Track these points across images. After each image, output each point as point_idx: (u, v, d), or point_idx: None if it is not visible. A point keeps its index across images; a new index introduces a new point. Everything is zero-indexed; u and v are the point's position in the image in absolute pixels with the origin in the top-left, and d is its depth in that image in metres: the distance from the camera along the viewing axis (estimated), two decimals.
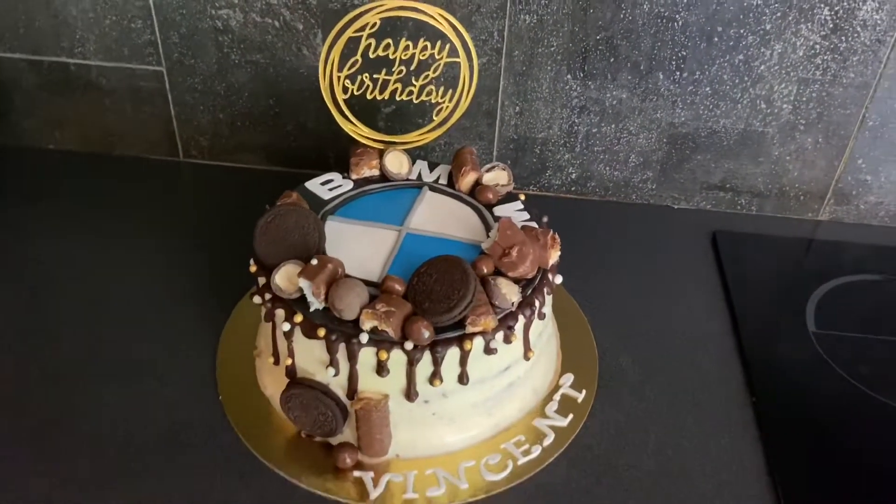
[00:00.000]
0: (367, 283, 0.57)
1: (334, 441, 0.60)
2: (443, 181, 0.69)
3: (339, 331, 0.55)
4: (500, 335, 0.57)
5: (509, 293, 0.57)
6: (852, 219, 0.86)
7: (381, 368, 0.55)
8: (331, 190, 0.68)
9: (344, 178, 0.69)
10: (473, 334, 0.56)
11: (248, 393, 0.65)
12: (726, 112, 0.80)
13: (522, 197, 0.68)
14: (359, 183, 0.69)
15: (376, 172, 0.69)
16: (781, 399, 0.66)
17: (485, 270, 0.58)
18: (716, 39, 0.76)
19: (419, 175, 0.70)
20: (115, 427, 0.61)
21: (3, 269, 0.76)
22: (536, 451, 0.61)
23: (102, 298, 0.73)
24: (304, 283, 0.55)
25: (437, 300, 0.55)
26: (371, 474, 0.59)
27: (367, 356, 0.55)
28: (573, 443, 0.62)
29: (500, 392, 0.61)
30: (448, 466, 0.59)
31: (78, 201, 0.84)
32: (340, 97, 0.66)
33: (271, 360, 0.62)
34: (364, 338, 0.54)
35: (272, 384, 0.64)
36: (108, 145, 0.91)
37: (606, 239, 0.83)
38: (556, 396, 0.65)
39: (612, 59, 0.78)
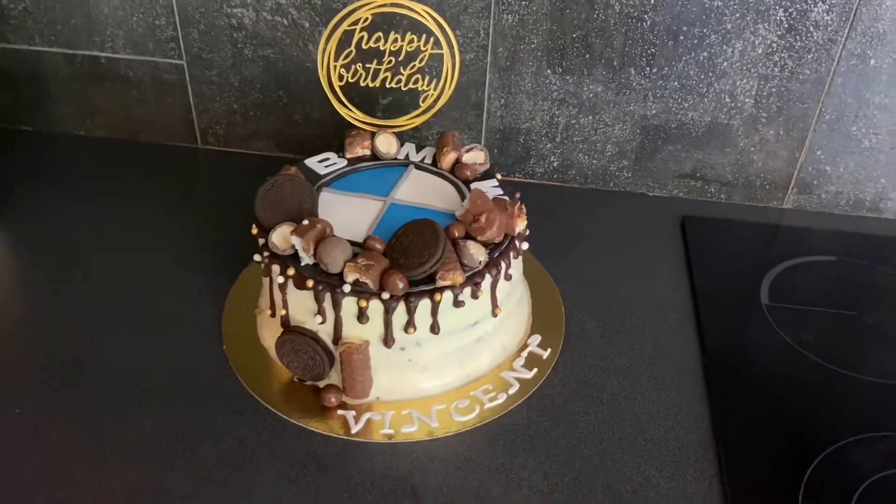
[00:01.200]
0: (352, 243, 0.65)
1: (322, 384, 0.68)
2: (428, 161, 0.77)
3: (325, 282, 0.63)
4: (467, 290, 0.64)
5: (476, 253, 0.65)
6: (814, 207, 0.93)
7: (361, 315, 0.63)
8: (327, 167, 0.76)
9: (339, 156, 0.77)
10: (443, 288, 0.63)
11: (248, 344, 0.73)
12: (693, 105, 0.87)
13: (499, 176, 0.76)
14: (352, 161, 0.77)
15: (368, 152, 0.77)
16: (730, 361, 0.72)
17: (456, 234, 0.66)
18: (682, 38, 0.83)
19: (407, 155, 0.78)
20: (130, 371, 0.70)
21: (37, 239, 0.85)
22: (502, 398, 0.68)
23: (125, 265, 0.81)
24: (295, 240, 0.63)
25: (412, 256, 0.62)
26: (353, 413, 0.66)
27: (349, 305, 0.63)
28: (535, 392, 0.69)
29: (469, 344, 0.68)
30: (422, 408, 0.67)
31: (106, 184, 0.93)
32: (336, 84, 0.75)
33: (269, 312, 0.70)
34: (346, 288, 0.62)
35: (270, 336, 0.72)
36: (134, 133, 1.00)
37: (584, 222, 0.90)
38: (524, 353, 0.73)
39: (587, 56, 0.86)
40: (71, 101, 0.99)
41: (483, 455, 0.64)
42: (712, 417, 0.67)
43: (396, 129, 0.77)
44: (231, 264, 0.81)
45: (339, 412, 0.66)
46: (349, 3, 0.85)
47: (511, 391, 0.69)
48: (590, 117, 0.90)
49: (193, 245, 0.84)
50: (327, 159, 0.77)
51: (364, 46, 0.73)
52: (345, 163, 0.77)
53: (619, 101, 0.89)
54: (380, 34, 0.73)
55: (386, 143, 0.77)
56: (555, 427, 0.66)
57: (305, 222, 0.64)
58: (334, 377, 0.67)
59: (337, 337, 0.65)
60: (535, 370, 0.71)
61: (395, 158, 0.77)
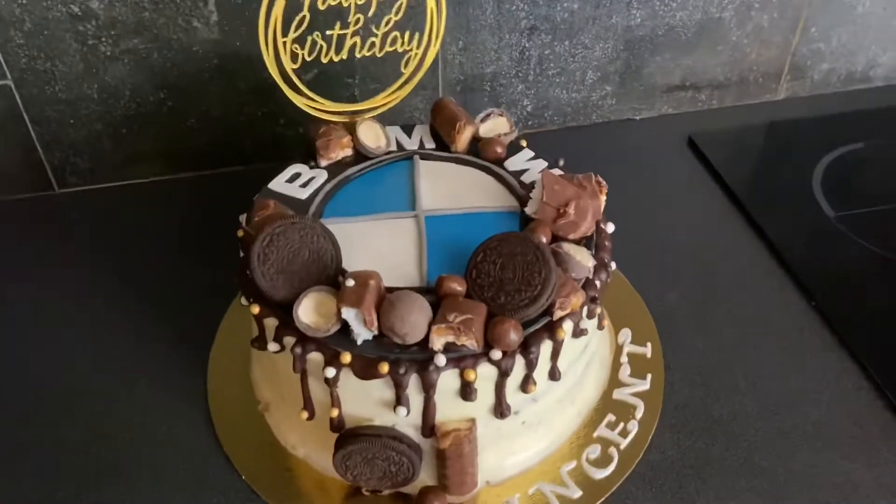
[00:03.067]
0: (413, 290, 0.46)
1: (408, 490, 0.49)
2: (429, 145, 0.58)
3: (406, 360, 0.43)
4: (585, 310, 0.47)
5: (583, 259, 0.47)
6: (806, 92, 0.83)
7: (467, 391, 0.44)
8: (303, 186, 0.54)
9: (312, 167, 0.55)
10: (563, 318, 0.45)
11: (270, 460, 0.51)
12: (682, 4, 0.73)
13: (524, 143, 0.58)
14: (332, 170, 0.55)
15: (349, 152, 0.56)
16: (838, 295, 0.61)
17: (544, 240, 0.48)
18: None
19: (398, 144, 0.58)
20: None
21: None
22: (633, 428, 0.52)
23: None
24: (348, 313, 0.42)
25: (516, 290, 0.44)
26: None
27: (447, 381, 0.44)
28: (665, 405, 0.54)
29: (581, 376, 0.51)
30: (549, 476, 0.50)
31: None
32: (289, 66, 0.52)
33: (304, 414, 0.48)
34: (441, 360, 0.43)
35: (305, 440, 0.51)
36: None
37: (574, 167, 0.74)
38: (623, 359, 0.57)
39: None
40: None
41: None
42: (864, 373, 0.56)
43: (379, 111, 0.57)
44: (156, 352, 0.58)
45: None
46: None
47: (638, 414, 0.53)
48: (566, 42, 0.73)
49: (120, 328, 0.60)
50: (298, 176, 0.55)
51: (321, 6, 0.51)
52: (325, 175, 0.55)
53: (599, 16, 0.72)
54: None
55: (372, 135, 0.56)
56: (712, 445, 0.52)
57: (350, 283, 0.43)
58: (425, 476, 0.48)
59: (428, 427, 0.46)
60: (650, 376, 0.56)
61: (388, 152, 0.57)
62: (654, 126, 0.80)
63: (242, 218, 0.52)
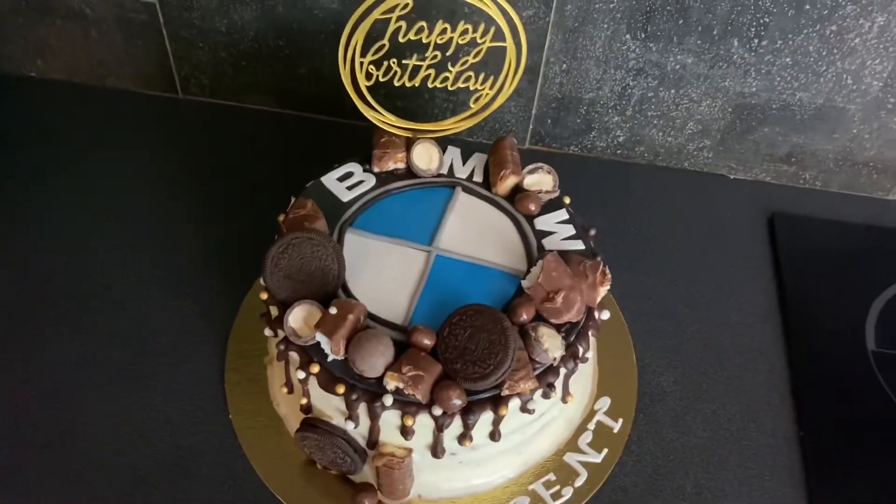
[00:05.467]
0: (392, 325, 0.51)
1: (354, 478, 0.56)
2: (477, 177, 0.61)
3: (360, 388, 0.49)
4: (538, 393, 0.51)
5: (552, 348, 0.50)
6: None
7: (406, 432, 0.50)
8: (350, 189, 0.59)
9: (365, 170, 0.60)
10: (510, 397, 0.50)
11: (259, 409, 0.60)
12: (805, 85, 0.69)
13: (567, 201, 0.60)
14: (381, 178, 0.60)
15: (402, 166, 0.60)
16: (832, 436, 0.61)
17: (524, 317, 0.51)
18: (807, 7, 0.64)
19: (451, 168, 0.61)
20: (118, 451, 0.57)
21: None
22: (567, 494, 0.57)
23: (91, 281, 0.66)
24: (321, 339, 0.49)
25: (472, 362, 0.48)
26: None
27: (390, 417, 0.50)
28: (607, 483, 0.58)
29: (532, 436, 0.56)
30: None
31: (65, 139, 0.77)
32: (363, 84, 0.56)
33: (284, 389, 0.56)
34: (388, 400, 0.49)
35: (285, 404, 0.59)
36: (98, 77, 0.80)
37: (652, 209, 0.75)
38: (591, 425, 0.61)
39: (680, 21, 0.66)
40: (15, 38, 0.78)
41: None
42: None
43: (438, 135, 0.60)
44: (234, 277, 0.66)
45: None
46: None
47: (577, 483, 0.58)
48: (672, 91, 0.72)
49: (185, 243, 0.69)
50: (350, 175, 0.60)
51: (401, 39, 0.54)
52: (373, 181, 0.60)
53: (713, 76, 0.70)
54: (423, 24, 0.54)
55: (426, 157, 0.60)
56: None
57: (333, 311, 0.49)
58: (368, 472, 0.55)
59: (373, 443, 0.52)
60: (606, 451, 0.59)
61: (438, 175, 0.61)
62: (744, 189, 0.78)
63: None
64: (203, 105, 0.81)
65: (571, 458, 0.59)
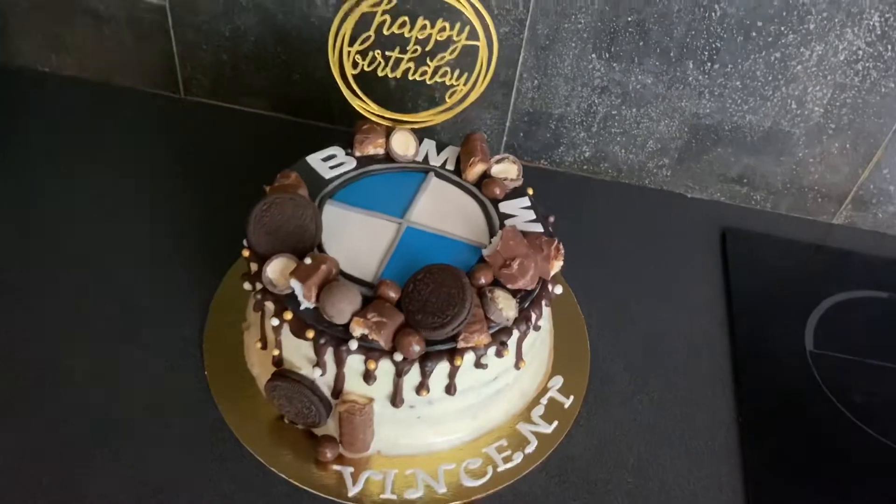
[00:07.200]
0: (361, 282, 0.56)
1: (318, 432, 0.60)
2: (449, 166, 0.67)
3: (328, 334, 0.54)
4: (492, 350, 0.56)
5: (506, 308, 0.55)
6: (868, 225, 0.84)
7: (368, 376, 0.54)
8: (332, 168, 0.65)
9: (347, 154, 0.66)
10: (465, 349, 0.54)
11: (233, 369, 0.64)
12: (754, 108, 0.76)
13: (530, 192, 0.65)
14: (362, 161, 0.66)
15: (381, 151, 0.66)
16: (768, 422, 0.65)
17: (482, 281, 0.56)
18: (754, 34, 0.71)
19: (426, 157, 0.67)
20: (97, 395, 0.61)
21: None
22: (518, 459, 0.61)
23: (89, 251, 0.71)
24: (295, 284, 0.54)
25: (431, 313, 0.53)
26: (351, 469, 0.59)
27: (355, 362, 0.54)
28: (555, 452, 0.62)
29: (486, 398, 0.60)
30: (428, 467, 0.59)
31: (73, 132, 0.82)
32: (350, 72, 0.63)
33: (259, 344, 0.61)
34: (353, 345, 0.53)
35: (259, 364, 0.63)
36: (106, 74, 0.87)
37: (614, 223, 0.80)
38: (544, 400, 0.65)
39: (641, 43, 0.74)
40: (33, 34, 0.84)
41: None
42: (746, 494, 0.61)
43: (416, 126, 0.66)
44: (218, 251, 0.71)
45: (336, 467, 0.59)
46: None
47: (528, 450, 0.61)
48: (634, 110, 0.79)
49: (173, 224, 0.74)
50: (333, 157, 0.66)
51: (385, 32, 0.61)
52: (353, 163, 0.65)
53: (670, 96, 0.77)
54: (405, 18, 0.60)
55: (403, 143, 0.66)
56: (573, 499, 0.59)
57: (308, 261, 0.54)
58: (331, 426, 0.59)
59: (337, 391, 0.56)
60: (556, 423, 0.63)
61: (413, 161, 0.66)
62: (701, 209, 0.84)
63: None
64: (202, 105, 0.87)
65: (524, 428, 0.63)
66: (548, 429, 0.63)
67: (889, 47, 0.70)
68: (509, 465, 0.60)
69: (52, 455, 0.57)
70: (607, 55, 0.75)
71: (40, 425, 0.59)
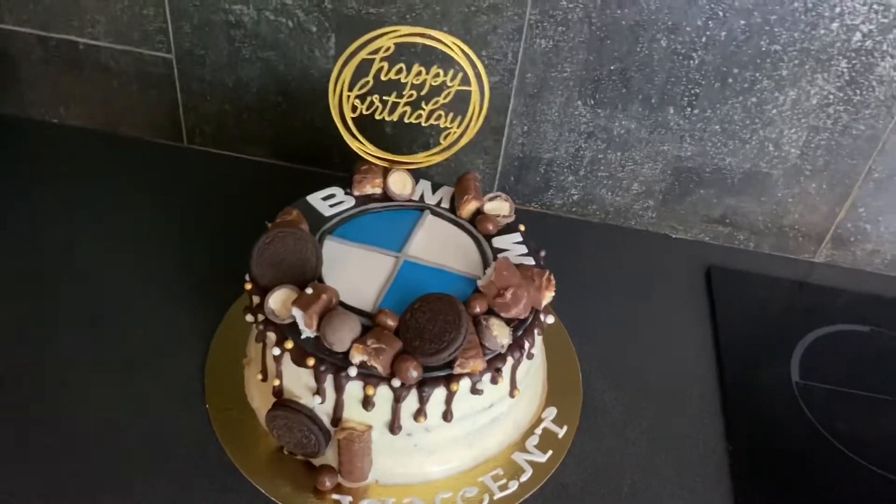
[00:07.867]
0: (361, 312, 0.58)
1: (316, 462, 0.61)
2: (445, 204, 0.69)
3: (328, 362, 0.56)
4: (487, 376, 0.57)
5: (500, 336, 0.58)
6: (848, 263, 0.87)
7: (367, 402, 0.56)
8: (332, 206, 0.68)
9: (346, 193, 0.69)
10: (461, 375, 0.56)
11: (234, 403, 0.65)
12: (733, 151, 0.80)
13: (522, 228, 0.68)
14: (360, 200, 0.69)
15: (379, 191, 0.69)
16: (757, 450, 0.67)
17: (477, 310, 0.58)
18: (730, 80, 0.75)
19: (422, 196, 0.70)
20: (99, 430, 0.62)
21: None
22: (513, 487, 0.62)
23: (93, 291, 0.73)
24: (297, 313, 0.56)
25: (428, 340, 0.55)
26: (349, 499, 0.60)
27: (354, 389, 0.56)
28: (550, 480, 0.63)
29: (482, 427, 0.62)
30: (425, 496, 0.61)
31: (79, 180, 0.84)
32: (349, 115, 0.66)
33: (259, 376, 0.62)
34: (352, 371, 0.55)
35: (259, 397, 0.64)
36: (113, 124, 0.90)
37: (603, 263, 0.83)
38: (538, 430, 0.66)
39: (623, 90, 0.78)
40: (43, 86, 0.88)
41: None
42: None
43: (412, 167, 0.69)
44: (219, 293, 0.73)
45: (334, 496, 0.60)
46: (363, 10, 0.76)
47: (523, 478, 0.63)
48: (618, 153, 0.82)
49: (177, 265, 0.76)
50: (332, 196, 0.69)
51: (383, 77, 0.64)
52: (352, 202, 0.68)
53: (653, 140, 0.81)
54: (402, 65, 0.64)
55: (400, 183, 0.69)
56: None
57: (309, 291, 0.56)
58: (330, 456, 0.60)
59: (336, 419, 0.58)
60: (550, 453, 0.65)
61: (409, 200, 0.69)
62: (685, 249, 0.86)
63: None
64: (205, 154, 0.90)
65: (519, 457, 0.64)
66: (542, 458, 0.64)
67: (857, 91, 0.74)
68: (505, 493, 0.61)
69: (54, 488, 0.58)
70: (592, 102, 0.79)
71: (41, 458, 0.60)
